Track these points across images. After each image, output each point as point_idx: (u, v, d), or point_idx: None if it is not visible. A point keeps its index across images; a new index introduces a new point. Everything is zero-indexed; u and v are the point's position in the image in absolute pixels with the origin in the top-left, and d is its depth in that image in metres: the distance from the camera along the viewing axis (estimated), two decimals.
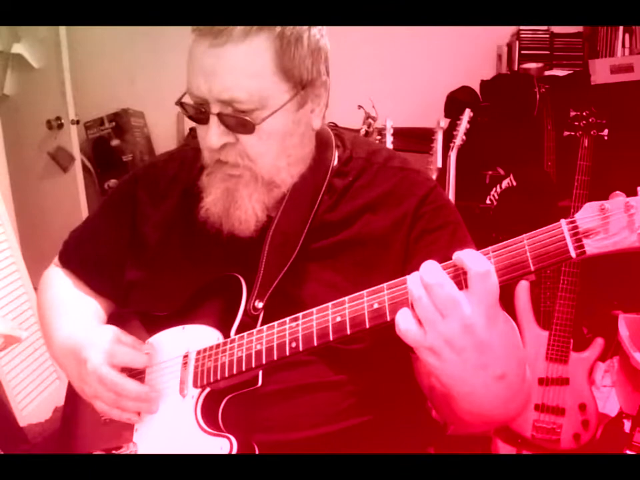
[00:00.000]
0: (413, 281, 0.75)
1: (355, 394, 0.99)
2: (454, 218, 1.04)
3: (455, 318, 0.72)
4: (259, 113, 0.93)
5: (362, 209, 1.03)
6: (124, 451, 1.00)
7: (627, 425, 1.97)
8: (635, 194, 0.71)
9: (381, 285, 0.81)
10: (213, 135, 0.94)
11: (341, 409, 0.98)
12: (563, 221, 0.73)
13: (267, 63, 0.92)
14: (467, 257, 0.74)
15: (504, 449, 2.09)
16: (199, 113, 0.96)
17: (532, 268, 0.73)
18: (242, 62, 0.91)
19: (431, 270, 0.74)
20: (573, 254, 0.72)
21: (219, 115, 0.94)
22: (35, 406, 2.33)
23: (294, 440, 0.96)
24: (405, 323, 0.75)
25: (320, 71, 0.98)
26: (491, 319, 0.73)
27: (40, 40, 2.92)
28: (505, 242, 0.76)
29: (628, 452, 1.82)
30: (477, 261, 0.73)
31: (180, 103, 0.98)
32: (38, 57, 2.97)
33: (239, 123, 0.94)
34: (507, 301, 2.09)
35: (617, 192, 0.72)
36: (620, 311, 2.22)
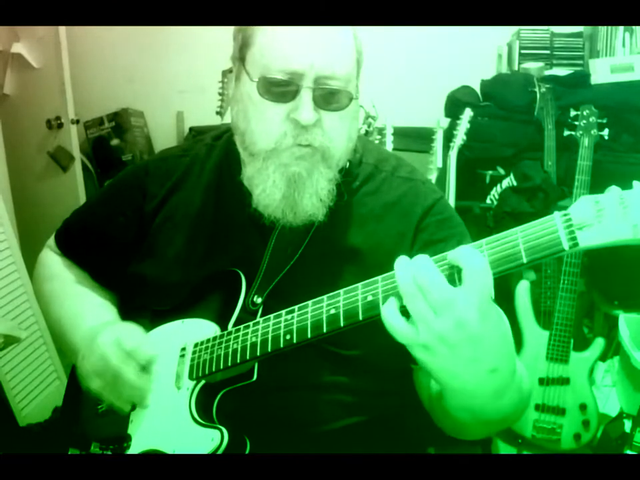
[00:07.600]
0: (404, 277, 0.74)
1: (355, 394, 0.99)
2: (459, 230, 1.04)
3: (449, 315, 0.72)
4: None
5: (367, 217, 1.03)
6: (117, 444, 1.00)
7: (628, 424, 1.97)
8: None
9: (376, 278, 0.81)
10: (307, 110, 0.92)
11: (341, 408, 0.98)
12: (556, 213, 0.73)
13: (353, 47, 0.98)
14: (462, 254, 0.74)
15: (504, 449, 2.09)
16: (285, 87, 0.93)
17: (524, 260, 0.73)
18: (343, 41, 0.96)
19: (424, 268, 0.74)
20: (565, 246, 0.72)
21: (315, 90, 0.93)
22: (34, 406, 2.33)
23: (292, 438, 0.96)
24: (394, 320, 0.75)
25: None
26: (484, 313, 0.73)
27: (39, 39, 2.93)
28: (498, 234, 0.76)
29: (628, 452, 1.82)
30: (472, 258, 0.73)
31: (262, 78, 0.94)
32: (38, 57, 2.97)
33: (337, 96, 0.95)
34: (507, 300, 2.10)
35: (613, 186, 0.72)
36: (620, 310, 2.23)
